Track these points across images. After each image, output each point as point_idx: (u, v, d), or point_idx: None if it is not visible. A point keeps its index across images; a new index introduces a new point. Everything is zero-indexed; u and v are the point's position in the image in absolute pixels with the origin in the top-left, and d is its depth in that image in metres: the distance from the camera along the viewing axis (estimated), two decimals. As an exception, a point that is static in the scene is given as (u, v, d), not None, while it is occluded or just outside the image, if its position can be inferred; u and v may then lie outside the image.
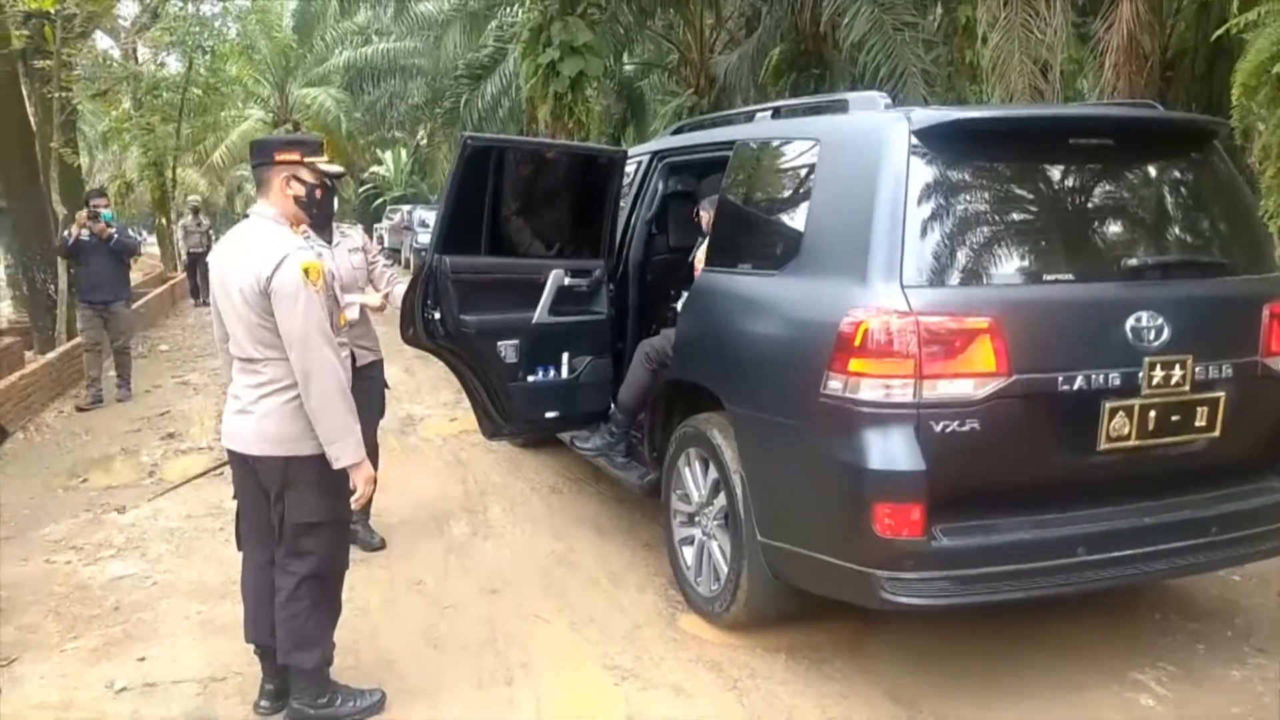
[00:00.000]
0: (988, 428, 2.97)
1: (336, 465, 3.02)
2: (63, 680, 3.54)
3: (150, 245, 22.78)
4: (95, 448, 7.00)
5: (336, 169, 3.25)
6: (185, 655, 3.71)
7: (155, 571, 4.57)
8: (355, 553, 4.63)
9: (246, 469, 3.13)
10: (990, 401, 2.96)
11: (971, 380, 2.96)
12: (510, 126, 16.59)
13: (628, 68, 18.11)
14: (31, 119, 10.68)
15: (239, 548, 3.31)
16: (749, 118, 4.47)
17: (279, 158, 3.07)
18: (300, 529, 3.06)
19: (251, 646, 3.30)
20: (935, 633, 3.69)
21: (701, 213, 4.60)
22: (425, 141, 27.00)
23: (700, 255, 4.28)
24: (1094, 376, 3.06)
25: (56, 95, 9.91)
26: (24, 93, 10.51)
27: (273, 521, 3.11)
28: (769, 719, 3.22)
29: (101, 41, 13.93)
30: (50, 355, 9.19)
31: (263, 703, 3.29)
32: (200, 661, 3.64)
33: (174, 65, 17.14)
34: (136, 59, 15.30)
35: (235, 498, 3.29)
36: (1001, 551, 3.06)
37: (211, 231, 17.16)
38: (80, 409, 8.17)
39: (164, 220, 19.94)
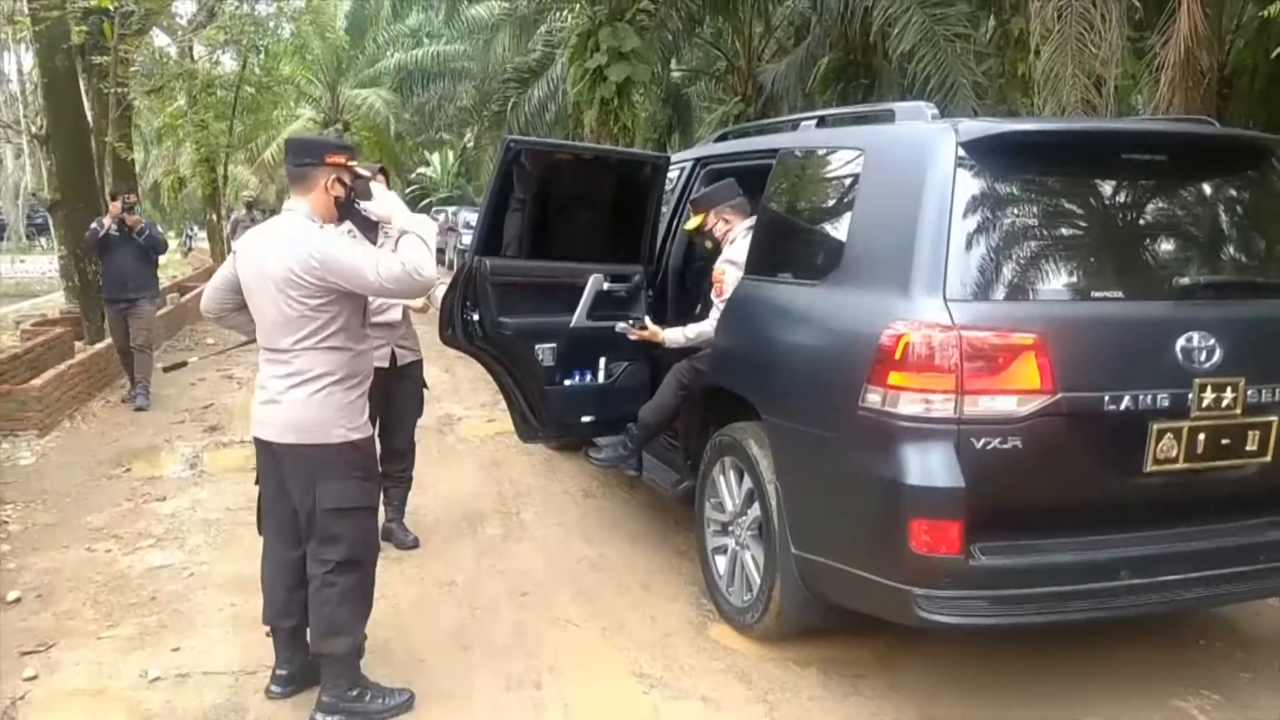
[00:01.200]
0: (1031, 446, 2.91)
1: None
2: (98, 668, 3.59)
3: (201, 240, 23.12)
4: (140, 438, 7.11)
5: (367, 172, 3.37)
6: (218, 647, 3.74)
7: (192, 563, 4.62)
8: (389, 551, 4.68)
9: (272, 457, 3.18)
10: (1034, 419, 2.90)
11: (1015, 397, 2.90)
12: (556, 131, 16.66)
13: (675, 74, 18.11)
14: (88, 114, 10.88)
15: (260, 532, 3.37)
16: (793, 126, 4.44)
17: (330, 159, 3.16)
18: (331, 515, 3.11)
19: (267, 628, 3.36)
20: (970, 652, 3.63)
21: (712, 217, 4.46)
22: (472, 144, 27.20)
23: (720, 266, 4.25)
24: (1142, 397, 2.99)
25: (113, 91, 10.09)
26: (81, 88, 10.72)
27: (302, 511, 3.15)
28: (799, 734, 3.18)
29: (158, 39, 14.19)
30: (99, 346, 9.34)
31: (273, 687, 3.33)
32: (232, 654, 3.67)
33: (228, 63, 17.39)
34: (192, 57, 15.56)
35: (257, 483, 3.33)
36: (1042, 573, 3.00)
37: (264, 227, 17.33)
38: (137, 409, 8.02)
39: (214, 216, 20.24)
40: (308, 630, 3.23)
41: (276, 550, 3.29)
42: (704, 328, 4.29)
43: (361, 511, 3.19)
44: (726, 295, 4.08)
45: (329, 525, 3.11)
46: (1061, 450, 3.00)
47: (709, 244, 4.54)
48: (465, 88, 22.70)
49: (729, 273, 4.16)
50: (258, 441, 3.22)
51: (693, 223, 4.54)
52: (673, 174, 5.12)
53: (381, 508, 4.79)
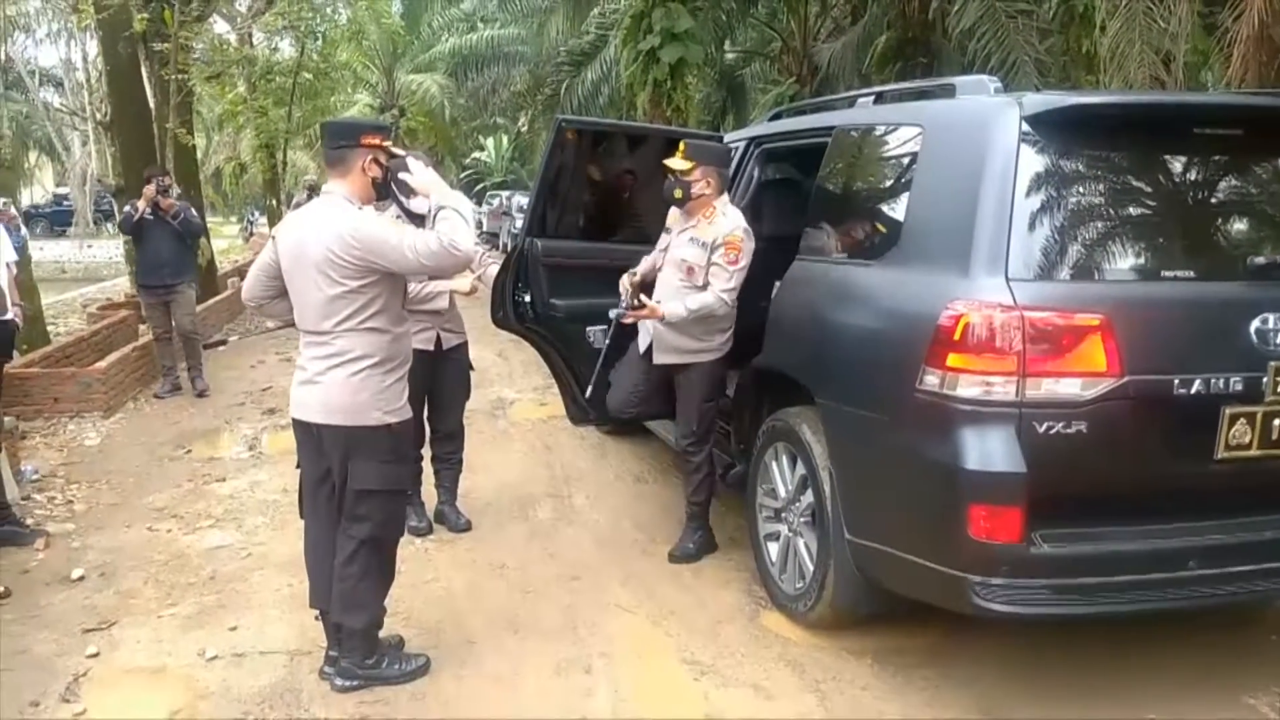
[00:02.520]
0: (1096, 430, 2.81)
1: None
2: (158, 646, 3.65)
3: (261, 226, 23.52)
4: (200, 420, 7.24)
5: (400, 152, 3.37)
6: (274, 627, 3.78)
7: (250, 543, 4.68)
8: (441, 533, 4.72)
9: (310, 438, 3.21)
10: (1099, 403, 2.80)
11: (1079, 380, 2.81)
12: (610, 113, 16.59)
13: (729, 55, 17.96)
14: (150, 101, 11.06)
15: (301, 515, 3.40)
16: (850, 103, 4.33)
17: (365, 140, 3.18)
18: (360, 495, 3.17)
19: (316, 612, 3.40)
20: (1029, 644, 3.53)
21: (699, 172, 4.04)
22: (526, 128, 27.22)
23: (736, 233, 3.98)
24: (1214, 381, 2.87)
25: (173, 78, 10.22)
26: (144, 75, 10.90)
27: (335, 488, 3.21)
28: (852, 724, 3.13)
29: (218, 25, 14.37)
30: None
31: (327, 668, 3.36)
32: (288, 634, 3.70)
33: (286, 50, 17.60)
34: (251, 43, 15.76)
35: (299, 466, 3.35)
36: (1106, 561, 2.91)
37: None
38: (157, 397, 7.97)
39: (274, 201, 20.55)
40: None
41: (317, 533, 3.33)
42: (706, 299, 3.96)
43: (388, 494, 3.26)
44: (743, 265, 3.97)
45: (357, 505, 3.19)
46: (1128, 435, 2.90)
47: (678, 193, 4.11)
48: (519, 72, 22.76)
49: (747, 242, 3.99)
50: (297, 423, 3.24)
51: (681, 163, 4.07)
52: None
53: (433, 490, 4.88)
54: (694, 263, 4.02)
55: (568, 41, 18.43)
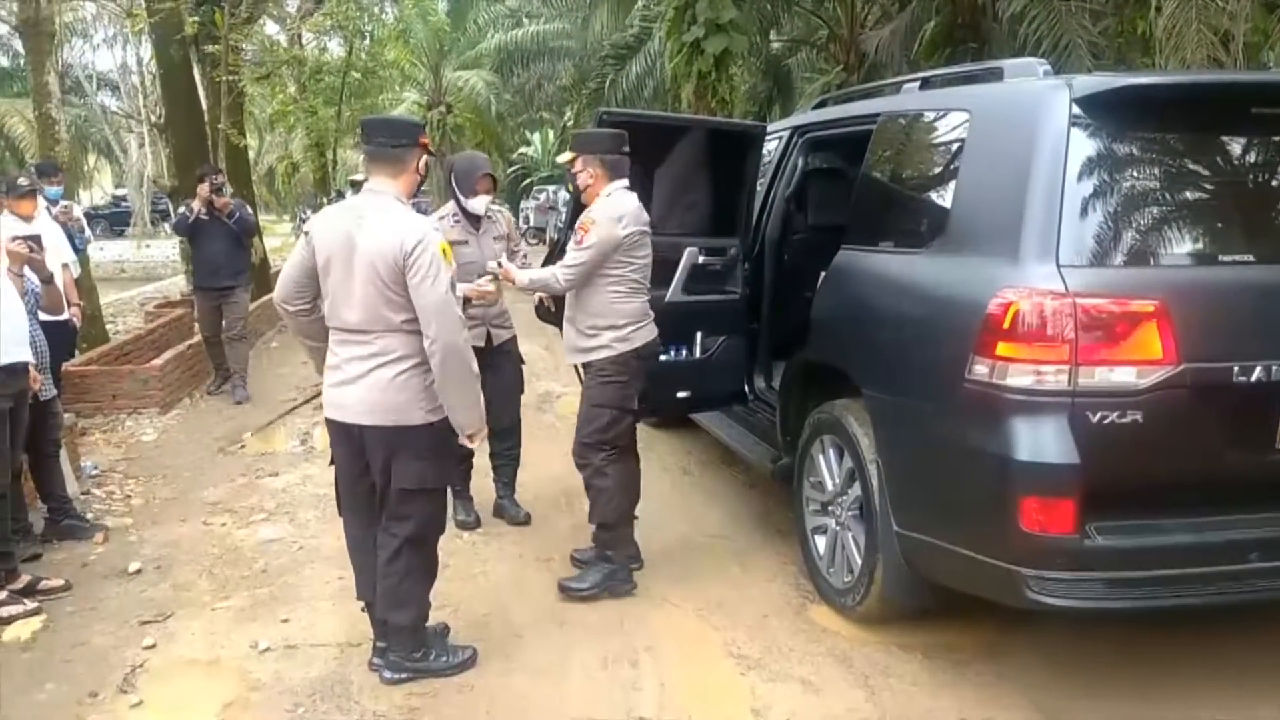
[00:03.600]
0: (1151, 420, 2.74)
1: (468, 430, 3.21)
2: (212, 638, 3.71)
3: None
4: (253, 416, 7.34)
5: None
6: (325, 620, 3.82)
7: (302, 537, 4.74)
8: (490, 526, 4.76)
9: (347, 438, 3.20)
10: (1155, 392, 2.73)
11: (1134, 368, 2.74)
12: (655, 106, 16.55)
13: (774, 45, 17.79)
14: (203, 102, 11.24)
15: (340, 513, 3.43)
16: (895, 90, 4.26)
17: (422, 140, 3.21)
18: (404, 494, 3.18)
19: (362, 604, 3.43)
20: (1083, 639, 3.46)
21: (579, 163, 3.93)
22: (572, 122, 27.27)
23: (589, 217, 3.82)
24: (1275, 368, 2.79)
25: (225, 79, 10.38)
26: (196, 77, 11.08)
27: (380, 487, 3.21)
28: None
29: (268, 27, 14.58)
30: (216, 326, 9.68)
31: (375, 660, 3.39)
32: (338, 626, 3.74)
33: (335, 50, 17.81)
34: (300, 44, 15.97)
35: (332, 464, 3.37)
36: (1163, 554, 2.84)
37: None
38: (209, 393, 8.04)
39: (325, 199, 20.83)
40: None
41: (356, 529, 3.35)
42: (542, 273, 3.95)
43: (432, 492, 3.26)
44: (588, 245, 3.74)
45: (401, 503, 3.19)
46: (1185, 425, 2.83)
47: (570, 185, 4.11)
48: (564, 66, 22.79)
49: (597, 228, 3.75)
50: (333, 424, 3.23)
51: (565, 156, 4.06)
52: (770, 144, 5.00)
53: (484, 484, 4.91)
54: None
55: (612, 35, 18.39)
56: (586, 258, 3.77)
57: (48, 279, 4.90)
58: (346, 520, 3.39)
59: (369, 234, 3.03)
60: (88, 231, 8.13)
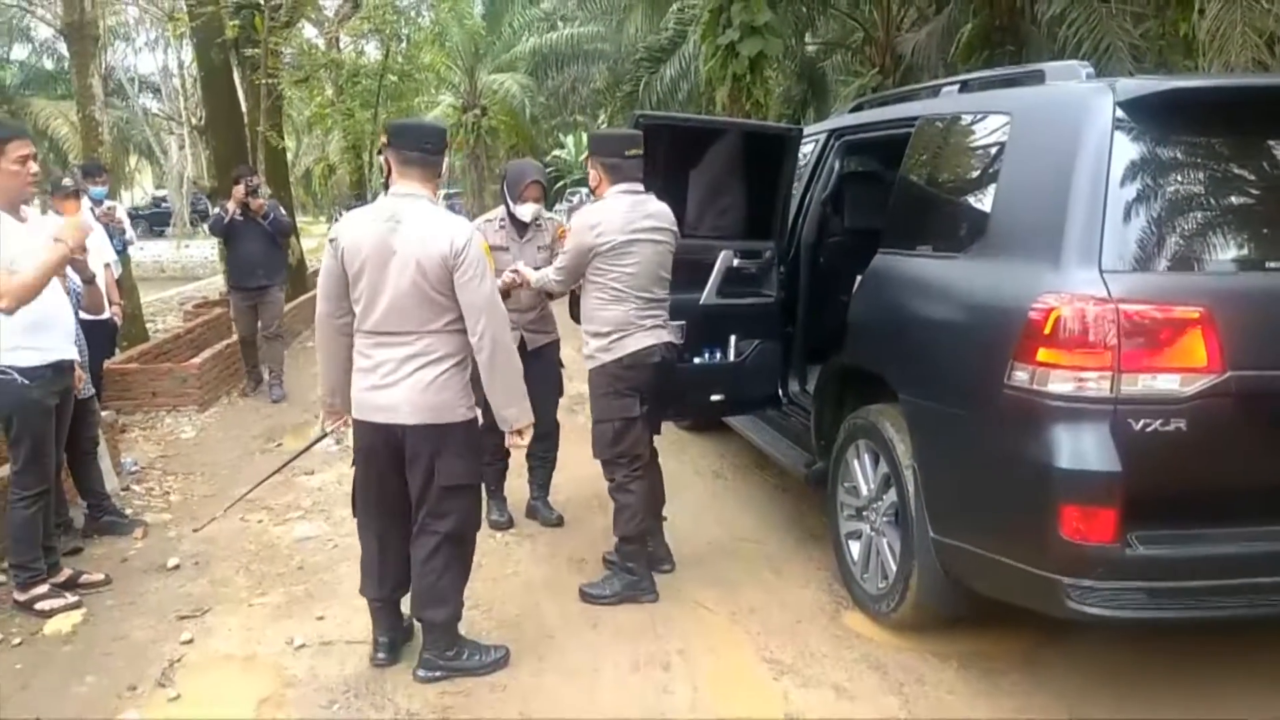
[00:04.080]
0: (1196, 428, 2.70)
1: (515, 425, 3.30)
2: (248, 634, 3.74)
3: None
4: (290, 415, 7.42)
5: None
6: (359, 617, 3.82)
7: (337, 534, 4.78)
8: (523, 528, 4.77)
9: (386, 439, 3.21)
10: (1199, 399, 2.69)
11: (1178, 375, 2.70)
12: (689, 109, 16.53)
13: (809, 48, 17.70)
14: (242, 104, 11.38)
15: (354, 514, 3.45)
16: (934, 92, 4.23)
17: (448, 145, 3.26)
18: (446, 492, 3.20)
19: (368, 601, 3.47)
20: (1121, 650, 3.41)
21: (590, 162, 4.01)
22: (605, 125, 27.38)
23: (573, 221, 3.92)
24: (1322, 377, 2.72)
25: (264, 82, 10.50)
26: (235, 80, 11.22)
27: (414, 487, 3.23)
28: (936, 727, 3.05)
29: (306, 30, 14.70)
30: (254, 326, 9.78)
31: (379, 655, 3.43)
32: (372, 624, 3.76)
33: (372, 53, 17.94)
34: (338, 47, 16.11)
35: (354, 465, 3.39)
36: (1207, 564, 2.80)
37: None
38: (244, 395, 8.13)
39: (362, 201, 21.00)
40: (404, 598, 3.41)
41: (381, 529, 3.37)
42: (544, 275, 4.10)
43: (473, 488, 3.32)
44: (569, 249, 3.90)
45: (443, 501, 3.21)
46: (1230, 433, 2.78)
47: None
48: (599, 69, 22.82)
49: (573, 234, 3.89)
50: (366, 425, 3.23)
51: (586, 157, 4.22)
52: (806, 147, 4.98)
53: (519, 485, 4.92)
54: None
55: (646, 38, 18.39)
56: (565, 262, 3.93)
57: (89, 279, 4.97)
58: (368, 521, 3.40)
59: (410, 236, 3.05)
60: (130, 233, 8.24)
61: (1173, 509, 2.80)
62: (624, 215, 3.79)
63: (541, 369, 4.67)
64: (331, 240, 3.21)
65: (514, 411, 3.26)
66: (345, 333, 3.26)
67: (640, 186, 3.89)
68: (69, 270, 4.60)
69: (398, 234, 3.07)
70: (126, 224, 8.03)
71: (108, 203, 7.58)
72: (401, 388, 3.12)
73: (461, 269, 3.04)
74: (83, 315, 4.72)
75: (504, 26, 27.24)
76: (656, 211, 3.88)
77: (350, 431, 3.41)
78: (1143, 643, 3.41)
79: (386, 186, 3.27)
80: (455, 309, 3.10)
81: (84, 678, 3.41)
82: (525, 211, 4.51)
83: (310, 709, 3.21)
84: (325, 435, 3.53)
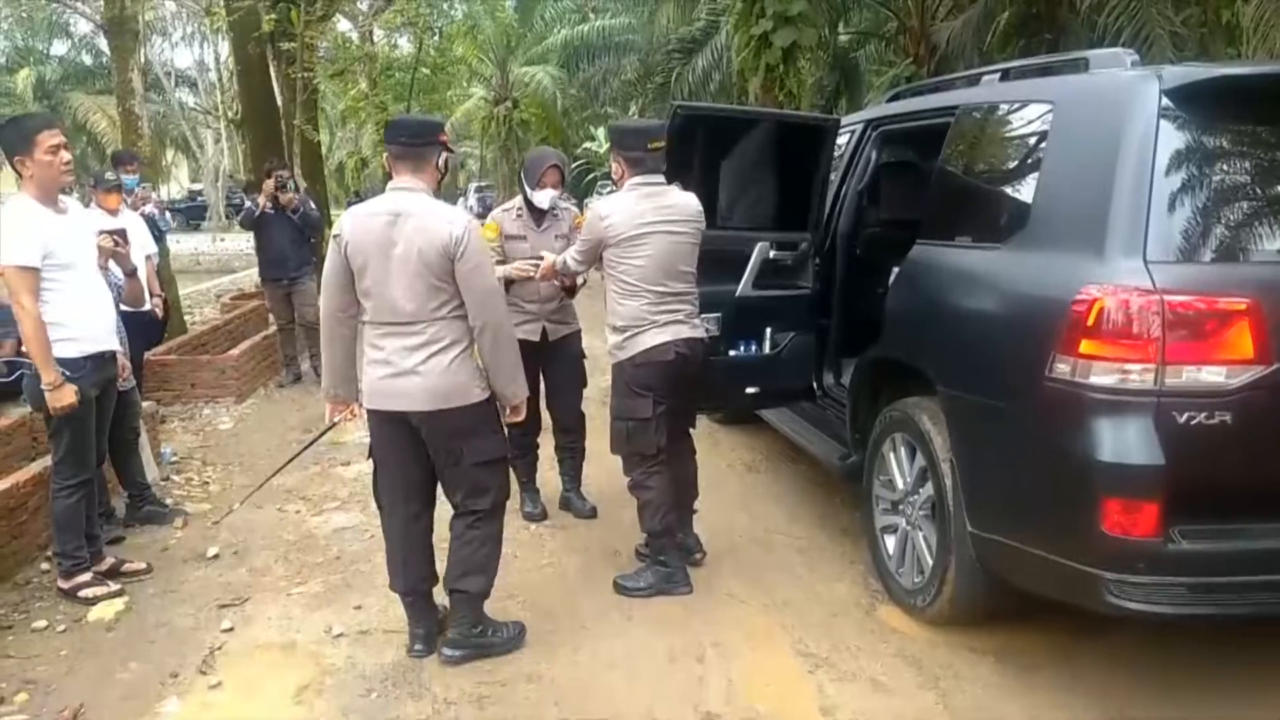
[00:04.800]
0: (1241, 421, 2.66)
1: (515, 401, 3.42)
2: (287, 622, 3.78)
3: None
4: (326, 405, 7.46)
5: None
6: (396, 607, 3.83)
7: (373, 525, 4.76)
8: (557, 519, 4.79)
9: (404, 428, 3.28)
10: (1246, 392, 2.65)
11: (1224, 368, 2.65)
12: (720, 100, 16.47)
13: (842, 38, 17.57)
14: (278, 98, 11.46)
15: (379, 505, 3.50)
16: (973, 81, 4.18)
17: (441, 138, 3.33)
18: (481, 468, 3.31)
19: (400, 595, 3.50)
20: (1160, 646, 3.36)
21: (612, 154, 3.97)
22: (636, 117, 27.37)
23: (588, 208, 3.92)
24: (1371, 370, 2.67)
25: (299, 76, 10.57)
26: (271, 74, 11.30)
27: (438, 472, 3.34)
28: (974, 723, 3.03)
29: (341, 24, 14.81)
30: (290, 318, 9.87)
31: (416, 646, 3.47)
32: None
33: (405, 46, 18.03)
34: (372, 40, 16.20)
35: (370, 457, 3.44)
36: (1252, 559, 2.76)
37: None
38: (280, 386, 8.21)
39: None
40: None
41: (406, 518, 3.41)
42: (563, 257, 4.09)
43: (503, 461, 3.46)
44: (584, 236, 3.92)
45: (480, 478, 3.33)
46: (1276, 426, 2.72)
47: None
48: (630, 61, 22.78)
49: (587, 224, 3.92)
50: (383, 414, 3.28)
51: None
52: (842, 138, 4.94)
53: (550, 478, 4.94)
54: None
55: (678, 29, 18.35)
56: (582, 248, 3.96)
57: (131, 272, 5.05)
58: (393, 510, 3.43)
59: (412, 228, 3.13)
60: (163, 215, 8.33)
61: (1216, 503, 2.76)
62: (634, 208, 3.76)
63: (564, 361, 4.68)
64: (336, 236, 3.26)
65: (514, 389, 3.39)
66: (349, 326, 3.33)
67: (661, 179, 3.85)
68: (111, 263, 4.67)
69: (397, 227, 3.13)
70: (158, 211, 8.09)
71: (143, 185, 7.67)
72: (420, 375, 3.18)
73: (463, 258, 3.13)
74: (123, 307, 4.79)
75: (535, 19, 27.32)
76: (677, 203, 3.83)
77: (357, 422, 3.47)
78: (1182, 639, 3.36)
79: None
80: (457, 296, 3.19)
81: (127, 664, 3.46)
82: (543, 198, 4.48)
83: (348, 697, 3.24)
84: (333, 426, 3.59)
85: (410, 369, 3.19)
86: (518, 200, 4.63)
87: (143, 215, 6.82)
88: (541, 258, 4.26)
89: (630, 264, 3.77)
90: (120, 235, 4.78)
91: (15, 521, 4.20)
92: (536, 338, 4.49)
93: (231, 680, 3.36)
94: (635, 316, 3.79)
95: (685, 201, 3.86)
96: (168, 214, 8.18)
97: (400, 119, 3.49)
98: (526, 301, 4.48)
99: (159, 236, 7.60)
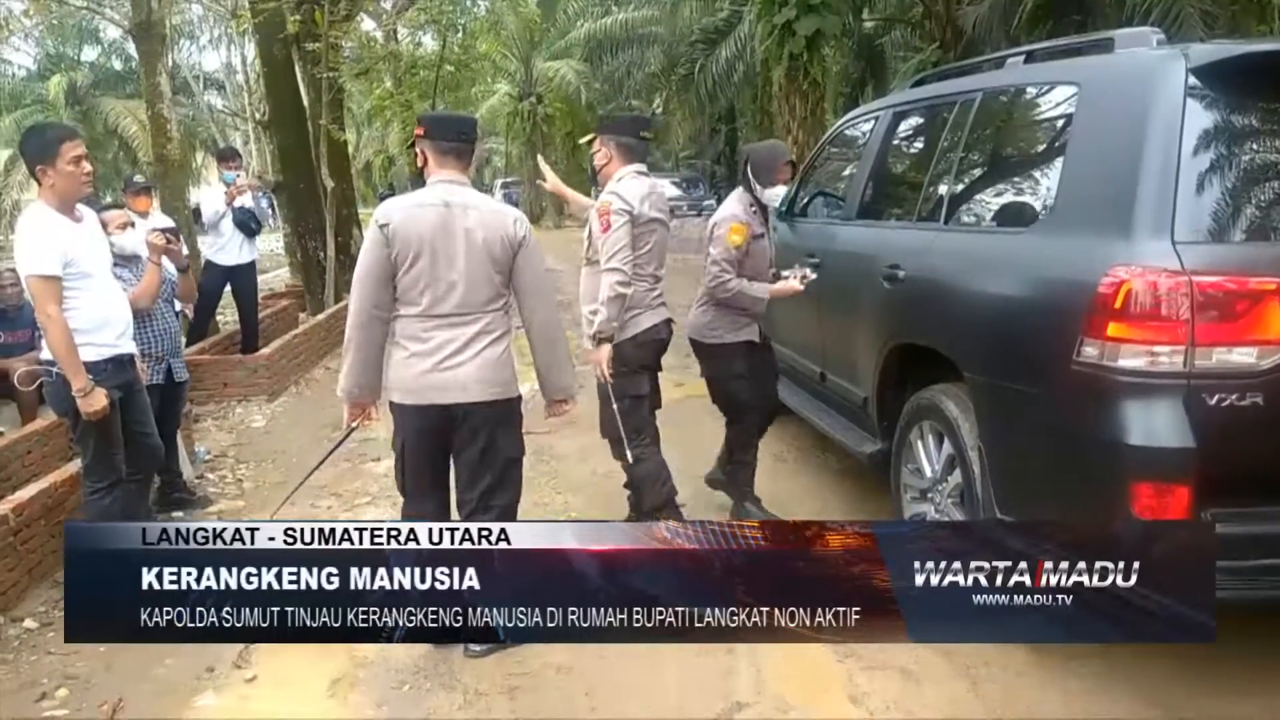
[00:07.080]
0: (1273, 402, 2.62)
1: (567, 395, 3.52)
2: (319, 615, 3.82)
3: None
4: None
5: None
6: (426, 600, 3.91)
7: (403, 520, 4.85)
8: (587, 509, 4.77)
9: (437, 421, 3.30)
10: (1277, 373, 2.61)
11: (1255, 349, 2.62)
12: (745, 90, 16.45)
13: (867, 24, 17.46)
14: (304, 99, 11.56)
15: (403, 493, 3.52)
16: (998, 64, 4.14)
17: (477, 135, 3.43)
18: (510, 463, 3.38)
19: None
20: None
21: (598, 143, 4.05)
22: (660, 109, 27.28)
23: (606, 198, 3.85)
24: (1406, 349, 2.62)
25: (325, 76, 10.65)
26: (297, 74, 11.39)
27: (468, 465, 3.36)
28: (1007, 713, 3.01)
29: (365, 24, 14.89)
30: (320, 317, 9.98)
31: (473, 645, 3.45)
32: (439, 607, 3.83)
33: (429, 44, 18.10)
34: (396, 39, 16.29)
35: (398, 450, 3.44)
36: (1285, 542, 2.70)
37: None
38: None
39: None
40: None
41: (430, 509, 3.42)
42: (603, 281, 3.77)
43: (521, 462, 3.51)
44: (613, 232, 3.77)
45: (507, 472, 3.39)
46: (1310, 408, 2.68)
47: (590, 168, 4.26)
48: (653, 53, 22.78)
49: (619, 214, 3.80)
50: (419, 409, 3.29)
51: (588, 137, 4.28)
52: (866, 125, 4.91)
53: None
54: (593, 234, 3.97)
55: (701, 20, 18.34)
56: (620, 244, 3.77)
57: (184, 268, 5.14)
58: (418, 504, 3.43)
59: (475, 219, 3.18)
60: (264, 201, 8.49)
61: (1248, 485, 2.73)
62: (657, 194, 3.95)
63: (770, 353, 4.66)
64: (382, 225, 3.18)
65: (569, 382, 3.48)
66: (385, 323, 3.28)
67: (646, 168, 4.01)
68: (165, 260, 4.75)
69: (457, 217, 3.17)
70: (252, 200, 8.23)
71: (239, 180, 7.89)
72: (471, 366, 3.22)
73: (524, 251, 3.23)
74: (178, 306, 4.87)
75: (558, 13, 27.32)
76: (664, 193, 4.01)
77: (374, 425, 3.50)
78: (1220, 622, 3.32)
79: (421, 176, 3.38)
80: (506, 288, 3.28)
81: (164, 659, 3.51)
82: (775, 195, 4.28)
83: (381, 689, 3.27)
84: (352, 431, 3.55)
85: (464, 360, 3.22)
86: (745, 198, 4.28)
87: (240, 208, 7.06)
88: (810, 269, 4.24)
89: (638, 251, 3.87)
90: (172, 233, 4.87)
91: (54, 520, 4.27)
92: (756, 338, 4.37)
93: (266, 674, 3.40)
94: (635, 299, 3.89)
95: (664, 191, 4.03)
96: (264, 201, 8.38)
97: (450, 116, 3.60)
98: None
99: (253, 232, 7.79)
